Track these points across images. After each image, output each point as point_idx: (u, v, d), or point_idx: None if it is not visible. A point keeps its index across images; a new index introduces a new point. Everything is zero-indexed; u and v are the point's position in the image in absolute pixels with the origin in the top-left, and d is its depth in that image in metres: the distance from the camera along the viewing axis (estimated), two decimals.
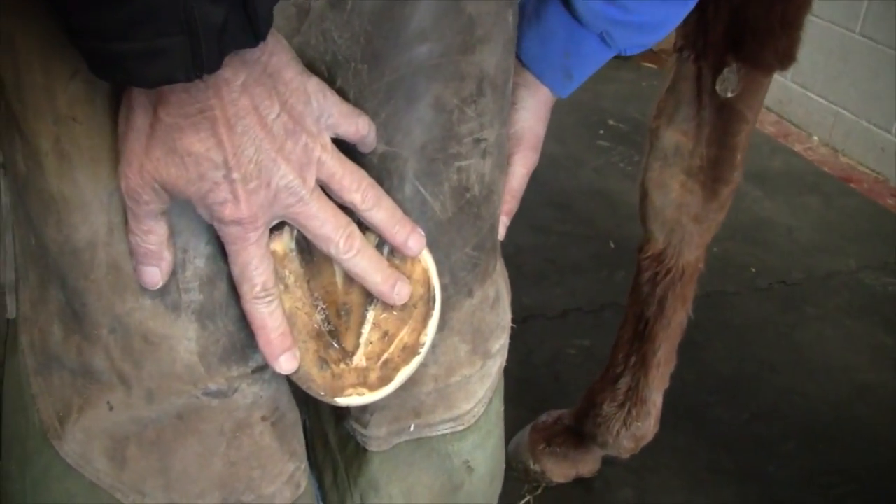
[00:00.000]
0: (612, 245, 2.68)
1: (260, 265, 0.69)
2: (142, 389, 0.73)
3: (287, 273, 0.73)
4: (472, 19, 0.75)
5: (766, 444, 2.04)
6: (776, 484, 1.94)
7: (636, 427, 1.67)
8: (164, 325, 0.72)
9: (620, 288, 2.43)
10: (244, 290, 0.70)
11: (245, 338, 0.75)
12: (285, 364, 0.73)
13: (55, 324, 0.74)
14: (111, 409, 0.73)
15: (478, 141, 0.80)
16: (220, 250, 0.72)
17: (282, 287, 0.73)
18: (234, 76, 0.62)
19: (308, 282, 0.75)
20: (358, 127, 0.72)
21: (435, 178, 0.78)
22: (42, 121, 0.67)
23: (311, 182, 0.68)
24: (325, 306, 0.76)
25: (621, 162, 3.13)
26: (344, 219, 0.70)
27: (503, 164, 0.86)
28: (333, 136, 0.70)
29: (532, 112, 0.92)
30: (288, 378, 0.80)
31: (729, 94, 1.35)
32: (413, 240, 0.75)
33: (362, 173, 0.71)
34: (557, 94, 0.93)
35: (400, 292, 0.75)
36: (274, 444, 0.79)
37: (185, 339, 0.72)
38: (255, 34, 0.59)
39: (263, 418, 0.78)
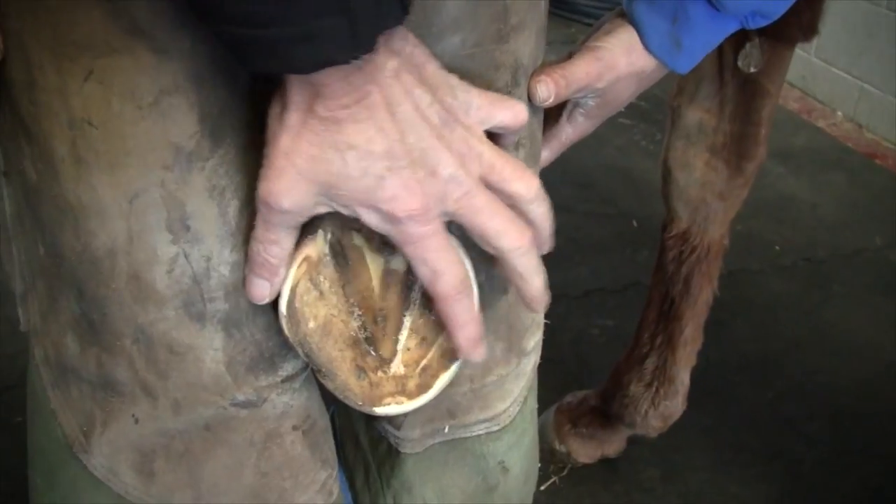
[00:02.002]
0: (635, 224, 2.67)
1: (450, 257, 0.66)
2: (168, 400, 0.71)
3: (322, 279, 0.71)
4: (506, 7, 0.73)
5: (792, 423, 2.03)
6: (802, 463, 1.93)
7: (664, 406, 1.66)
8: (189, 335, 0.70)
9: (644, 267, 2.42)
10: (441, 291, 0.67)
11: (273, 346, 0.73)
12: (481, 353, 0.71)
13: (69, 336, 0.72)
14: (137, 421, 0.72)
15: None
16: (245, 258, 0.70)
17: (316, 294, 0.70)
18: (387, 61, 0.60)
19: (343, 287, 0.72)
20: (515, 111, 0.69)
21: None
22: (56, 124, 0.65)
23: (475, 173, 0.65)
24: (361, 312, 0.73)
25: (643, 140, 3.12)
26: (512, 212, 0.68)
27: (537, 155, 0.84)
28: (488, 129, 0.68)
29: (618, 52, 0.87)
30: (318, 383, 0.79)
31: (752, 70, 1.32)
32: (552, 241, 0.74)
33: (523, 164, 0.69)
34: (669, 66, 0.89)
35: (543, 303, 0.73)
36: (305, 452, 0.78)
37: (210, 349, 0.70)
38: (403, 9, 0.57)
39: (294, 427, 0.77)
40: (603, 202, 2.75)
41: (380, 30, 0.57)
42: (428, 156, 0.62)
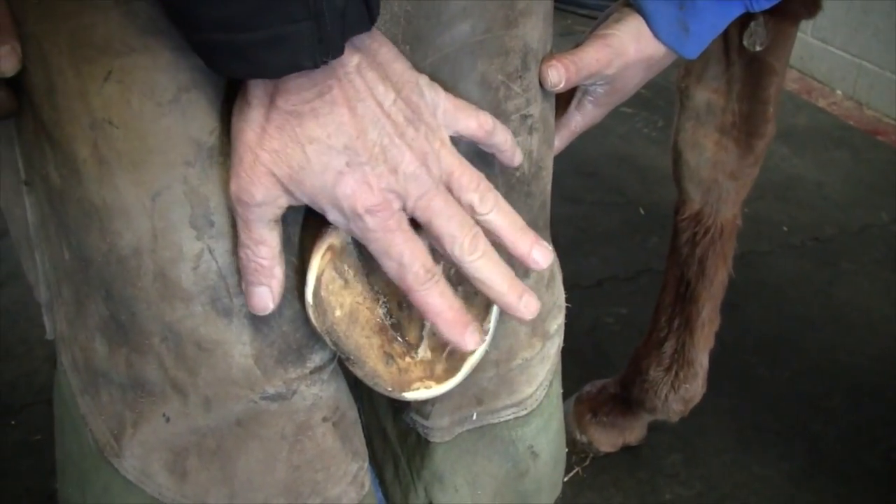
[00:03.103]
0: (643, 211, 2.67)
1: (414, 249, 0.65)
2: (198, 397, 0.71)
3: (346, 267, 0.71)
4: None
5: (810, 401, 2.03)
6: (822, 440, 1.93)
7: (684, 389, 1.66)
8: (217, 330, 0.70)
9: (654, 254, 2.43)
10: (408, 281, 0.65)
11: (301, 338, 0.73)
12: (471, 340, 0.67)
13: (97, 339, 0.72)
14: (168, 420, 0.72)
15: (525, 117, 0.78)
16: None
17: (341, 282, 0.71)
18: (349, 58, 0.60)
19: (367, 275, 0.72)
20: (479, 121, 0.69)
21: (485, 158, 0.76)
22: (78, 126, 0.65)
23: (437, 174, 0.65)
24: (386, 299, 0.74)
25: (645, 128, 3.12)
26: (469, 218, 0.66)
27: (550, 139, 0.85)
28: (453, 134, 0.68)
29: (627, 38, 0.87)
30: (346, 374, 0.79)
31: (757, 48, 1.33)
32: (538, 251, 0.69)
33: (480, 175, 0.68)
34: (678, 52, 0.89)
35: (528, 305, 0.69)
36: (336, 444, 0.78)
37: (239, 343, 0.70)
38: (370, 17, 0.58)
39: (325, 419, 0.77)
40: (609, 191, 2.75)
41: (346, 36, 0.58)
42: (388, 152, 0.62)
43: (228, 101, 0.66)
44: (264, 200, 0.63)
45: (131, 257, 0.67)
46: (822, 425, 1.97)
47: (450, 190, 0.66)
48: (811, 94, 3.50)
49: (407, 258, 0.65)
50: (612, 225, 2.60)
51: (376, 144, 0.62)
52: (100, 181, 0.66)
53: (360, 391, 0.93)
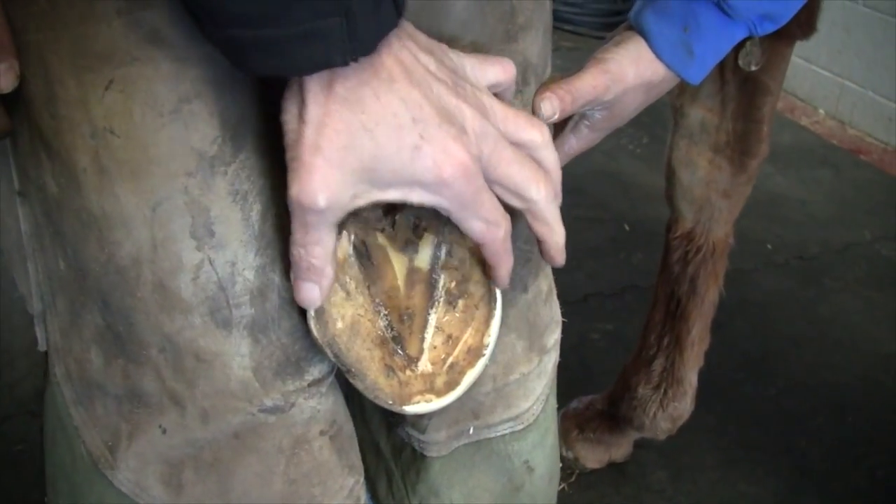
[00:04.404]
0: (627, 228, 2.68)
1: (496, 205, 0.66)
2: (196, 409, 0.70)
3: (347, 279, 0.71)
4: (513, 7, 0.74)
5: (795, 418, 2.04)
6: (808, 457, 1.94)
7: (673, 407, 1.66)
8: (216, 342, 0.69)
9: (639, 270, 2.44)
10: (494, 238, 0.68)
11: (299, 350, 0.73)
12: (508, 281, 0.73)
13: (92, 350, 0.71)
14: (164, 432, 0.71)
15: None
16: (270, 261, 0.69)
17: (343, 294, 0.70)
18: (391, 34, 0.59)
19: (369, 287, 0.72)
20: (503, 66, 0.69)
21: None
22: (78, 135, 0.64)
23: (496, 125, 0.65)
24: (387, 312, 0.73)
25: (630, 144, 3.13)
26: (535, 162, 0.68)
27: None
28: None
29: (626, 63, 0.86)
30: (342, 389, 0.79)
31: (752, 68, 1.33)
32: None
33: (528, 112, 0.70)
34: (681, 75, 0.88)
35: (563, 254, 0.74)
36: (333, 458, 0.77)
37: (237, 355, 0.70)
38: (398, 11, 0.58)
39: (322, 432, 0.76)
40: (594, 207, 2.75)
41: (378, 32, 0.57)
42: (453, 114, 0.62)
43: (231, 107, 0.66)
44: (329, 206, 0.61)
45: (130, 267, 0.67)
46: (807, 443, 1.98)
47: (507, 136, 0.66)
48: (794, 112, 3.52)
49: (492, 215, 0.66)
50: (598, 241, 2.60)
51: (440, 109, 0.61)
52: (100, 190, 0.65)
53: (353, 406, 0.93)
